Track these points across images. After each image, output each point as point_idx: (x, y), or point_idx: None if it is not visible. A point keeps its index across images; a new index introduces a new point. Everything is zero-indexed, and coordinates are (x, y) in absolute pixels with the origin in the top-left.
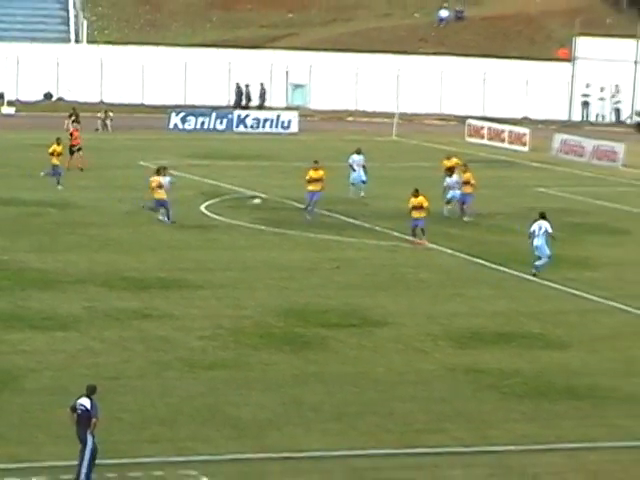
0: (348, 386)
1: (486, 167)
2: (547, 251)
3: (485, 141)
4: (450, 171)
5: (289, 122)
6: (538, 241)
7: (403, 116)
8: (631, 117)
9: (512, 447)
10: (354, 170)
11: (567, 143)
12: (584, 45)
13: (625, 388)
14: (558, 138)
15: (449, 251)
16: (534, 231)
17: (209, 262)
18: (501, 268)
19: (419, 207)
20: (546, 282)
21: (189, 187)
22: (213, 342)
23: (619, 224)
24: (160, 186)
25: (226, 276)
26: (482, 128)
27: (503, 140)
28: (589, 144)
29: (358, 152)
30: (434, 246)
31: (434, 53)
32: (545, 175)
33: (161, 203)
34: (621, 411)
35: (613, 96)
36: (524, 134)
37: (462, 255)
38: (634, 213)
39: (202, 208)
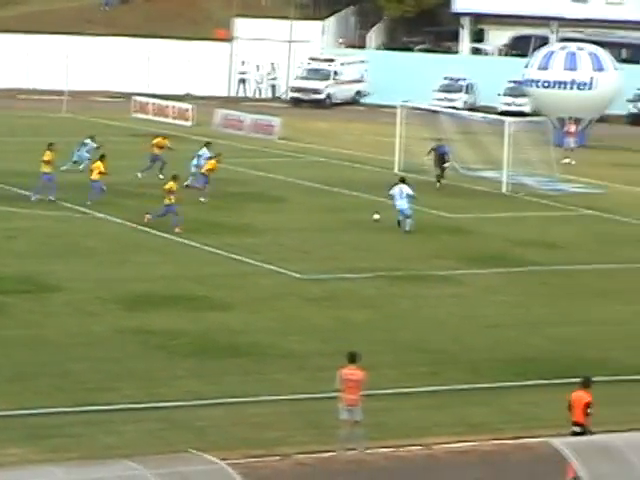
0: (24, 349)
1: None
2: (409, 211)
3: (151, 116)
4: (161, 149)
5: None
6: (402, 204)
7: (72, 93)
8: (286, 93)
9: (179, 403)
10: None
11: (227, 118)
12: (242, 25)
13: (283, 345)
14: (219, 113)
15: (117, 220)
16: (394, 194)
17: None
18: (166, 235)
19: (171, 192)
20: (208, 248)
21: None
22: None
23: (275, 192)
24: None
25: None
26: (148, 104)
27: (168, 115)
28: (248, 118)
29: (92, 138)
30: (102, 215)
31: (101, 34)
32: None
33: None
34: (279, 367)
35: (269, 73)
36: (187, 109)
37: (129, 223)
38: (289, 182)
39: None
